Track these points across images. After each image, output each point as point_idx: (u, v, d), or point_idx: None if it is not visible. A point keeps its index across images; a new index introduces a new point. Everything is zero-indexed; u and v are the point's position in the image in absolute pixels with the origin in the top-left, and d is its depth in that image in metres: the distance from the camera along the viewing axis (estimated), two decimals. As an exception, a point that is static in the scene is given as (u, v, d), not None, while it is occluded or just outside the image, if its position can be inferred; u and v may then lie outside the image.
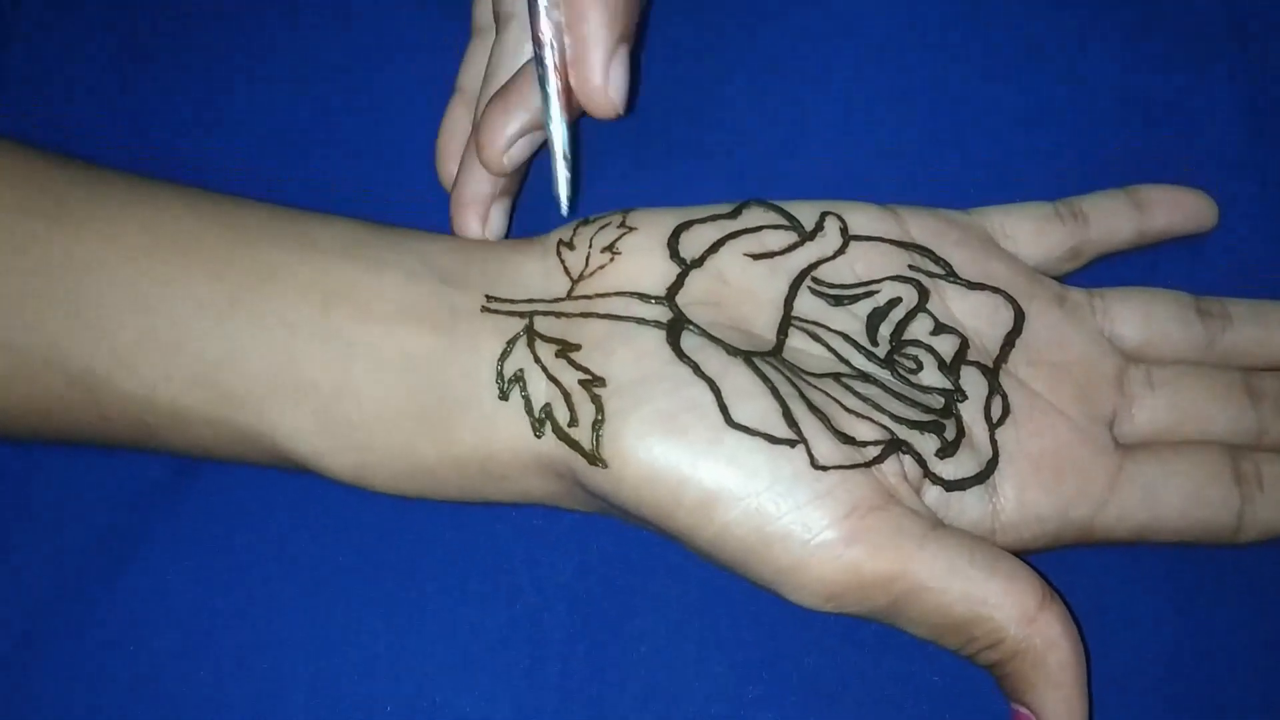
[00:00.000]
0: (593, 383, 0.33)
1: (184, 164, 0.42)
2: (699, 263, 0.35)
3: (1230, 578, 0.37)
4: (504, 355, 0.34)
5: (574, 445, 0.33)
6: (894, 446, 0.33)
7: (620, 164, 0.42)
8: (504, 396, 0.34)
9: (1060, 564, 0.35)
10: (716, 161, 0.42)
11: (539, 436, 0.33)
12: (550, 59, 0.35)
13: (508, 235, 0.39)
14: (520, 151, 0.37)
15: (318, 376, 0.34)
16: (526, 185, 0.40)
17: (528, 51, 0.38)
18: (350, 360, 0.34)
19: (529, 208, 0.41)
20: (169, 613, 0.37)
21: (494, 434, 0.34)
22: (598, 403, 0.33)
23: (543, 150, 0.38)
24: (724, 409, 0.32)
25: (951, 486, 0.34)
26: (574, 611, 0.37)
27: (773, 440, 0.32)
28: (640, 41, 0.41)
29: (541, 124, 0.36)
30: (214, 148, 0.42)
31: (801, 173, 0.42)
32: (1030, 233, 0.38)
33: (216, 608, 0.37)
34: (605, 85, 0.34)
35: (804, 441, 0.32)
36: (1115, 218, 0.39)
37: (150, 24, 0.44)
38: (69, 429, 0.35)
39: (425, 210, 0.40)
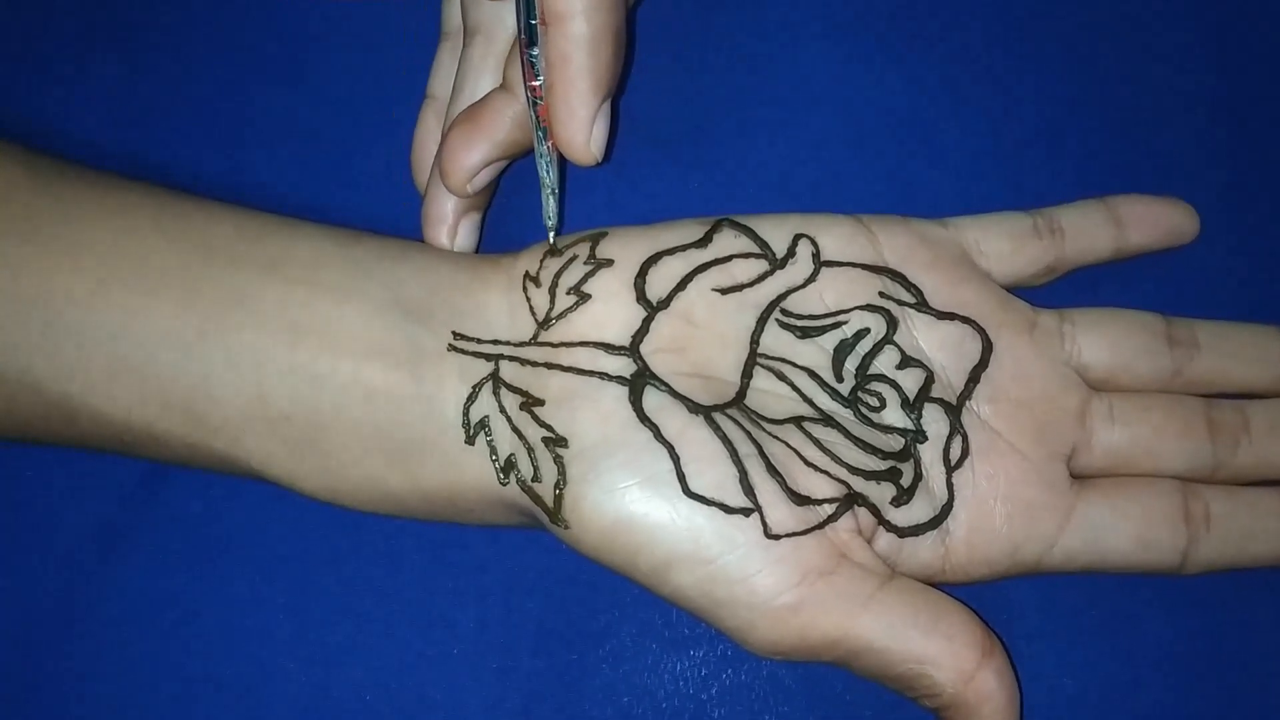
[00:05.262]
0: (556, 442, 0.34)
1: (167, 152, 0.42)
2: (665, 304, 0.35)
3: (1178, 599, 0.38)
4: (470, 399, 0.34)
5: (537, 500, 0.34)
6: (849, 502, 0.34)
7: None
8: (470, 441, 0.34)
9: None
10: (701, 149, 0.42)
11: (504, 485, 0.34)
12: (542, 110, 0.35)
13: (479, 249, 0.39)
14: (483, 178, 0.37)
15: (287, 409, 0.34)
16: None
17: (493, 68, 0.37)
18: (319, 394, 0.34)
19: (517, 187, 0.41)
20: (150, 607, 0.38)
21: (460, 474, 0.35)
22: (560, 464, 0.33)
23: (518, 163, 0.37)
24: (682, 477, 0.33)
25: (905, 534, 0.35)
26: (543, 609, 0.38)
27: (727, 510, 0.33)
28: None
29: (505, 155, 0.36)
30: (195, 137, 0.42)
31: (786, 163, 0.42)
32: (1006, 250, 0.38)
33: (197, 601, 0.38)
34: (587, 142, 0.34)
35: (758, 510, 0.33)
36: (1093, 234, 0.38)
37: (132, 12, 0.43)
38: (50, 439, 0.36)
39: (409, 205, 0.40)
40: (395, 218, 0.40)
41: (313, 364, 0.34)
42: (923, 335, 0.36)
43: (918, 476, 0.35)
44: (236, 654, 0.38)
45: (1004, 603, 0.38)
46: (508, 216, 0.41)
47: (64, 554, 0.39)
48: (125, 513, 0.39)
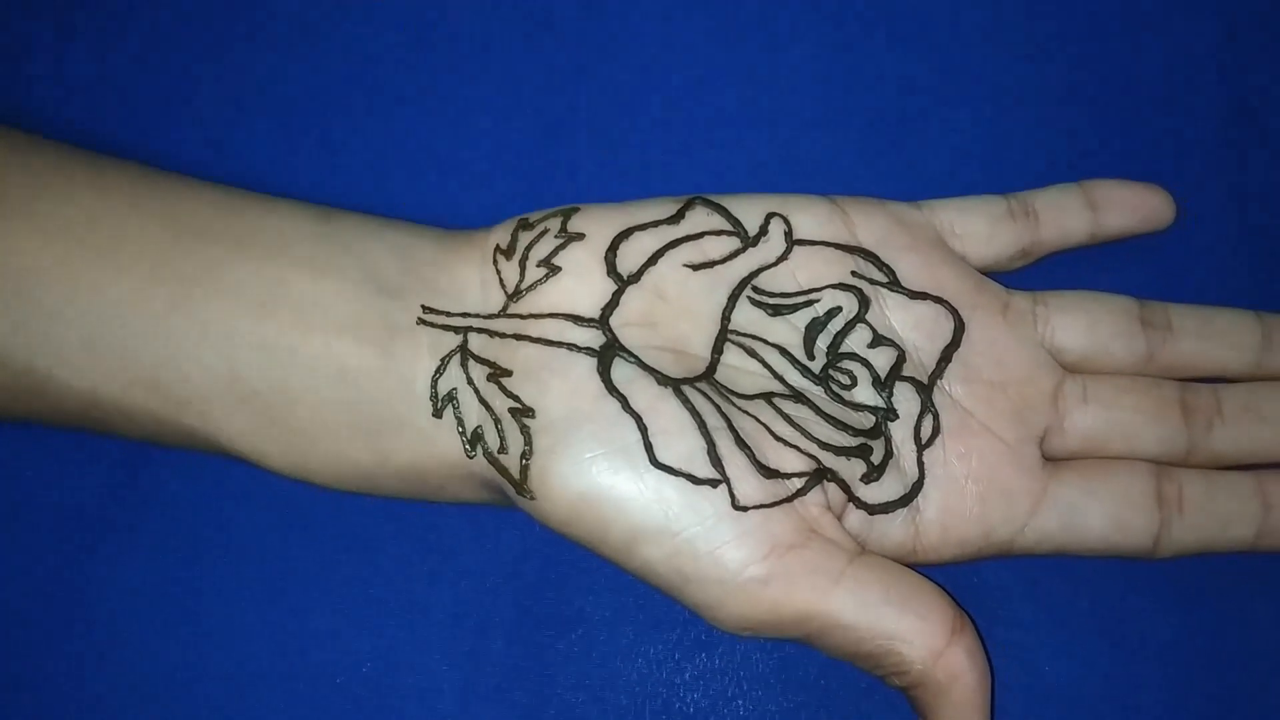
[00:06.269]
0: (523, 412, 0.33)
1: (146, 134, 0.42)
2: (636, 278, 0.35)
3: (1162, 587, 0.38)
4: (438, 372, 0.34)
5: (503, 471, 0.34)
6: (818, 477, 0.34)
7: (579, 144, 0.41)
8: (438, 414, 0.34)
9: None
10: (669, 139, 0.42)
11: (471, 457, 0.34)
12: None
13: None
14: None
15: (257, 384, 0.34)
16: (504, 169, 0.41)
17: None
18: (289, 369, 0.34)
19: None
20: (125, 591, 0.38)
21: (429, 449, 0.34)
22: (526, 435, 0.33)
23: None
24: (649, 448, 0.33)
25: (875, 510, 0.34)
26: (517, 592, 0.38)
27: (695, 481, 0.33)
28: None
29: None
30: (178, 120, 0.42)
31: (758, 149, 0.42)
32: (982, 234, 0.38)
33: (172, 585, 0.38)
34: None
35: (726, 481, 0.33)
36: (1069, 218, 0.38)
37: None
38: (18, 415, 0.36)
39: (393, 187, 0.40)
40: (379, 200, 0.40)
41: (283, 339, 0.34)
42: (895, 315, 0.36)
43: (888, 454, 0.35)
44: (210, 637, 0.38)
45: (985, 589, 0.38)
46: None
47: (41, 539, 0.38)
48: (102, 497, 0.39)
